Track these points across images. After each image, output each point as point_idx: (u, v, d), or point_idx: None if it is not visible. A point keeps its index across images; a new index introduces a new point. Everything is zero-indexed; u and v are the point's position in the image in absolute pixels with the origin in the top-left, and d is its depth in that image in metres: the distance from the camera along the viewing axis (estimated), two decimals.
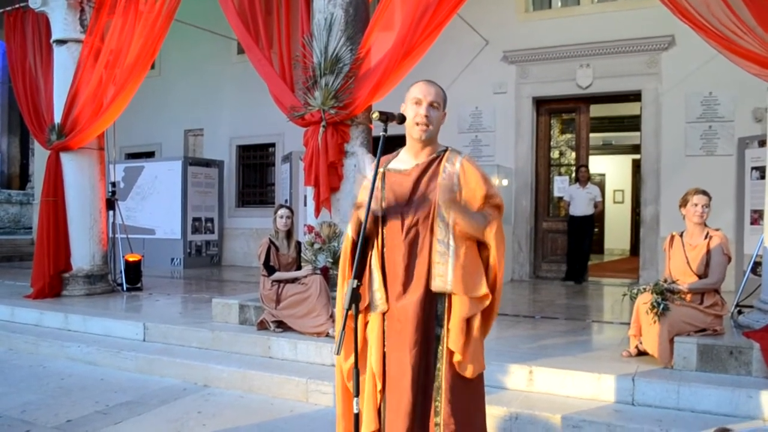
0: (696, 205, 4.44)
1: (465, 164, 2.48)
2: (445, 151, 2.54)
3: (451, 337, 2.40)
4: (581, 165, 9.37)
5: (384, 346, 2.46)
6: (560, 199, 9.77)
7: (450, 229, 2.41)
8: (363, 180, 2.62)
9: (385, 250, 2.49)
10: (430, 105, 2.45)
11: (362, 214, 2.40)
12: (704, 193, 4.45)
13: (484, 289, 2.41)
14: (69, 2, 7.67)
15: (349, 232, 2.55)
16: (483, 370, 2.50)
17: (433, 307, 2.43)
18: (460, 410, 2.41)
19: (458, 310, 2.40)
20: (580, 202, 9.08)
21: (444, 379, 2.41)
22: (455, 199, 2.37)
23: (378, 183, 2.54)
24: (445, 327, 2.42)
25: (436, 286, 2.40)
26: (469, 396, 2.46)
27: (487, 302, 2.44)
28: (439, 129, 2.52)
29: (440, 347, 2.43)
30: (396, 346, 2.42)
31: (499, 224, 2.45)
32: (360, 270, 2.45)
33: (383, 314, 2.47)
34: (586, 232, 9.17)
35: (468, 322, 2.42)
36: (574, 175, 9.56)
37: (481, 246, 2.47)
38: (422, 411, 2.41)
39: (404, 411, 2.37)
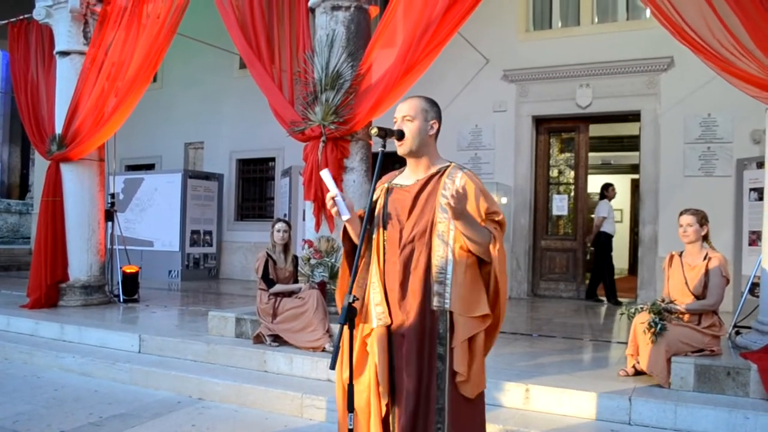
0: (681, 225, 4.47)
1: (466, 180, 2.40)
2: (448, 166, 2.49)
3: (455, 358, 2.34)
4: (609, 184, 9.38)
5: (391, 359, 2.43)
6: (559, 217, 9.79)
7: (449, 247, 2.36)
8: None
9: (385, 265, 2.47)
10: (402, 120, 2.46)
11: (353, 223, 2.49)
12: (690, 212, 4.45)
13: (484, 308, 2.35)
14: (73, 14, 7.73)
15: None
16: (483, 390, 2.45)
17: (434, 326, 2.38)
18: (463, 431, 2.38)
19: (459, 329, 2.34)
20: (611, 219, 9.14)
21: (447, 400, 2.35)
22: (464, 210, 2.27)
23: (382, 199, 2.54)
24: (448, 347, 2.36)
25: (435, 304, 2.36)
26: (472, 417, 2.41)
27: (489, 322, 2.38)
28: (423, 139, 2.45)
29: (443, 367, 2.37)
30: (401, 361, 2.40)
31: (502, 241, 2.38)
32: (354, 284, 2.45)
33: (388, 328, 2.43)
34: (611, 248, 9.23)
35: (470, 341, 2.37)
36: (600, 192, 9.41)
37: (482, 264, 2.42)
38: (424, 430, 2.36)
39: (409, 429, 2.34)
